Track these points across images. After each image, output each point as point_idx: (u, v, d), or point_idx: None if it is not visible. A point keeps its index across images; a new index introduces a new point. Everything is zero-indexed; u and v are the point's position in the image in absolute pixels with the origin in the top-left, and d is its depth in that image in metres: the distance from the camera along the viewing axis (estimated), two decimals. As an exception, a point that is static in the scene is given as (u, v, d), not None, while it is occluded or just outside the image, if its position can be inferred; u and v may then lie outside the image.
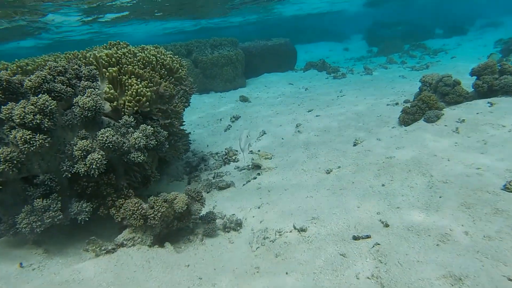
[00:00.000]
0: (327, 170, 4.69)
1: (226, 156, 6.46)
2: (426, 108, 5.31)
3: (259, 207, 4.19)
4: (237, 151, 6.60)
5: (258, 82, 13.04)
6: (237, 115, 8.76)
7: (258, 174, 5.34)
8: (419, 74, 11.01)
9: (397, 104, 6.80)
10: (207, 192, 5.10)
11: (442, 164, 3.98)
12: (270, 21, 30.62)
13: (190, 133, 7.03)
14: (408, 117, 5.42)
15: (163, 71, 4.32)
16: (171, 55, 4.92)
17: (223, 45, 12.98)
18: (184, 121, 7.20)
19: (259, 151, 6.37)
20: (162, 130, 3.92)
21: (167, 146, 4.02)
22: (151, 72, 3.96)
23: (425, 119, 5.26)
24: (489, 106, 5.26)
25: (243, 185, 5.13)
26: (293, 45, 15.36)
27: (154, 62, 4.16)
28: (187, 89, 5.02)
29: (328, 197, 3.96)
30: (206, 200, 4.84)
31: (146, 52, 4.35)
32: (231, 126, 8.25)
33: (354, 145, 5.28)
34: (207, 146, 7.61)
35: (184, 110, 5.21)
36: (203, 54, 11.80)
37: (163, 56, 4.51)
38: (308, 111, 7.73)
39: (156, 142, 3.68)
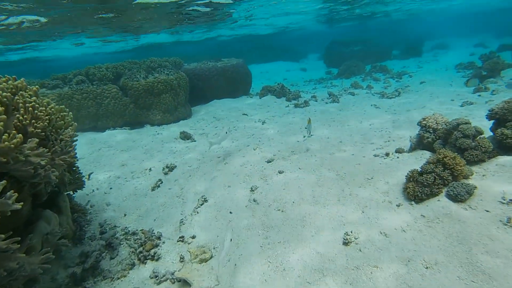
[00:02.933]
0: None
1: (142, 247, 4.09)
2: (449, 177, 3.44)
3: None
4: (160, 238, 4.26)
5: (206, 111, 10.83)
6: (173, 163, 6.44)
7: (184, 306, 3.08)
8: (392, 102, 9.52)
9: (387, 155, 4.94)
10: None
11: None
12: (221, 39, 28.87)
13: (89, 202, 4.61)
14: (421, 190, 3.49)
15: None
16: None
17: (164, 67, 10.66)
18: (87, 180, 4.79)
19: (193, 237, 4.10)
20: None
21: None
22: None
23: (449, 196, 3.37)
24: (534, 171, 3.51)
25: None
26: (247, 67, 13.44)
27: None
28: (41, 162, 2.64)
29: None
30: None
31: None
32: (161, 182, 5.90)
33: (345, 243, 3.22)
34: (125, 215, 5.20)
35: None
36: (134, 78, 9.38)
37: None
38: (268, 162, 5.63)
39: None
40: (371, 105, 9.30)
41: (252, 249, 3.61)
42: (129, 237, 4.59)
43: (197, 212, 4.61)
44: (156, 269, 3.69)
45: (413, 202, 3.53)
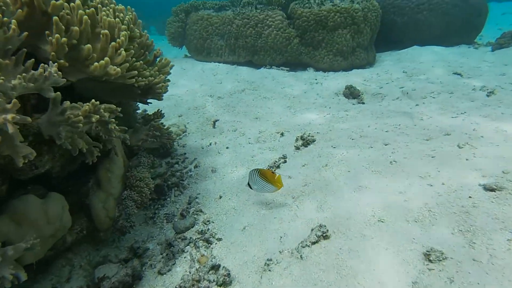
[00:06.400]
0: None
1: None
2: None
3: None
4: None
5: (396, 60, 7.57)
6: (312, 135, 4.21)
7: None
8: None
9: None
10: None
11: None
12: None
13: (195, 160, 3.14)
14: None
15: None
16: None
17: (353, -8, 7.81)
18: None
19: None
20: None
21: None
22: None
23: None
24: None
25: None
26: (483, -1, 8.68)
27: None
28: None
29: None
30: None
31: None
32: (284, 162, 3.84)
33: None
34: (220, 197, 3.57)
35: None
36: (306, 4, 7.09)
37: None
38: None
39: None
40: None
41: None
42: (200, 244, 2.92)
43: (300, 257, 2.37)
44: None
45: None
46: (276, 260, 2.46)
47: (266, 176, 2.80)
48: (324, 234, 2.50)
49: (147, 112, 4.10)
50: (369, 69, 7.20)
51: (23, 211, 1.85)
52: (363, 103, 5.39)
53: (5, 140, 1.51)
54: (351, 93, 5.63)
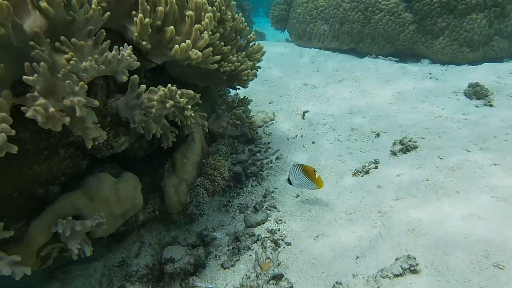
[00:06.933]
0: None
1: None
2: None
3: None
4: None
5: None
6: (414, 140, 3.55)
7: None
8: None
9: None
10: None
11: None
12: None
13: (277, 151, 3.06)
14: None
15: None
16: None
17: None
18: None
19: None
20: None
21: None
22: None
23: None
24: None
25: None
26: None
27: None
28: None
29: None
30: None
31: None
32: (375, 168, 3.34)
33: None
34: (297, 196, 3.33)
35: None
36: (431, -17, 6.02)
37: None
38: None
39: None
40: None
41: None
42: (267, 244, 2.74)
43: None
44: None
45: None
46: (347, 285, 2.10)
47: (308, 173, 2.72)
48: (412, 268, 2.02)
49: (238, 96, 4.04)
50: (509, 63, 5.78)
51: (96, 188, 1.91)
52: (491, 105, 4.33)
53: (76, 122, 1.52)
54: (475, 92, 4.59)
